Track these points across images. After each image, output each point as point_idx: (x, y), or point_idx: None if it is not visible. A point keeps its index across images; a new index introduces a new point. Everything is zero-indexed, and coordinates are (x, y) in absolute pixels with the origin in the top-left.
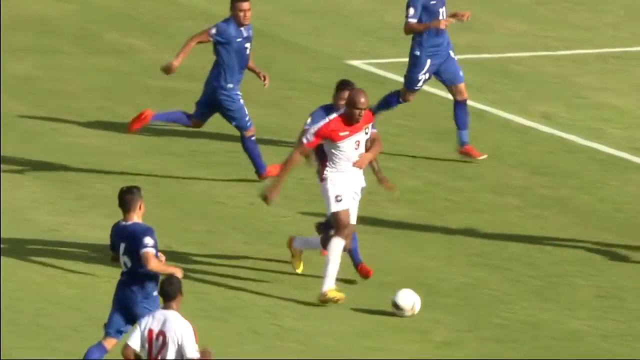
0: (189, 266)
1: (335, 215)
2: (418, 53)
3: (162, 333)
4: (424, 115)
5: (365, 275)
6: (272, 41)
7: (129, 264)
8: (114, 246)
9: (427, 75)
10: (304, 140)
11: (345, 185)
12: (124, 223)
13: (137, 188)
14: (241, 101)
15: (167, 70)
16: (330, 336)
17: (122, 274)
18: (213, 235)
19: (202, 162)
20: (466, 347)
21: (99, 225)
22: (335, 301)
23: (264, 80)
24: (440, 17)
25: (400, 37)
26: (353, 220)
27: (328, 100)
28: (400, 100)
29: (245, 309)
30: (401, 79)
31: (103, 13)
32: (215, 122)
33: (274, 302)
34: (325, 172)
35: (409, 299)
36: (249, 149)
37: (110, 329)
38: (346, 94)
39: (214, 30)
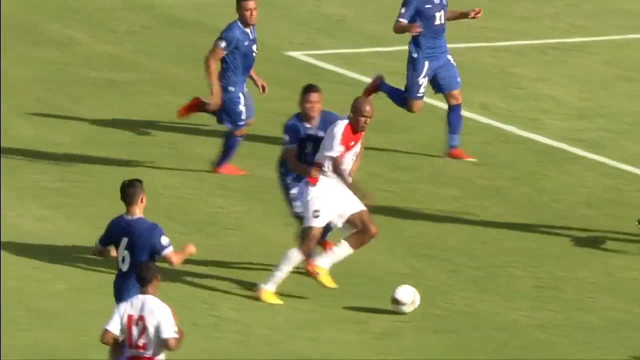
0: None
1: (308, 230)
2: (415, 55)
3: (141, 318)
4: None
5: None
6: (210, 32)
7: (129, 259)
8: (110, 240)
9: (426, 79)
10: (334, 154)
11: (330, 201)
12: (128, 218)
13: (139, 181)
14: (241, 106)
15: (216, 106)
16: (268, 327)
17: (119, 270)
18: None
19: (139, 153)
20: (405, 338)
21: (40, 217)
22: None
23: (263, 90)
24: (437, 22)
25: (338, 29)
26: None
27: (270, 91)
28: (406, 108)
29: (184, 300)
30: (339, 70)
31: (44, 4)
32: (153, 113)
33: (212, 293)
34: (313, 175)
35: (408, 294)
36: (228, 145)
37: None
38: (312, 96)
39: (223, 44)
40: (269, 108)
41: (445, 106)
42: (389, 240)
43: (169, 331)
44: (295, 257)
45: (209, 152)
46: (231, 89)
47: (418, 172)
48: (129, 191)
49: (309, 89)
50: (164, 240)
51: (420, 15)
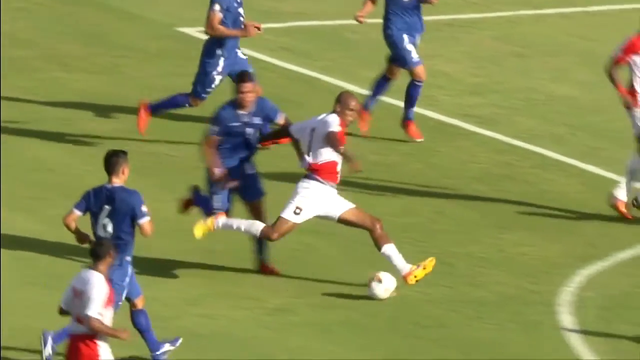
0: (16, 233)
1: (281, 220)
2: (390, 32)
3: (82, 293)
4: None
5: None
6: (102, 8)
7: (109, 228)
8: (88, 207)
9: (413, 45)
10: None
11: (315, 205)
12: (109, 186)
13: (124, 152)
14: (214, 75)
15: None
16: (160, 303)
17: (99, 238)
18: (42, 202)
19: (33, 129)
20: (297, 314)
21: None
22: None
23: (258, 29)
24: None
25: None
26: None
27: (162, 68)
28: (415, 81)
29: (73, 275)
30: None
31: None
32: (47, 89)
33: None
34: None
35: (393, 282)
36: (173, 102)
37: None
38: (246, 86)
39: (217, 7)
40: (161, 84)
41: (338, 82)
42: None
43: (93, 310)
44: (257, 229)
45: (102, 129)
46: (218, 52)
47: None
48: (111, 160)
49: (242, 79)
50: (145, 208)
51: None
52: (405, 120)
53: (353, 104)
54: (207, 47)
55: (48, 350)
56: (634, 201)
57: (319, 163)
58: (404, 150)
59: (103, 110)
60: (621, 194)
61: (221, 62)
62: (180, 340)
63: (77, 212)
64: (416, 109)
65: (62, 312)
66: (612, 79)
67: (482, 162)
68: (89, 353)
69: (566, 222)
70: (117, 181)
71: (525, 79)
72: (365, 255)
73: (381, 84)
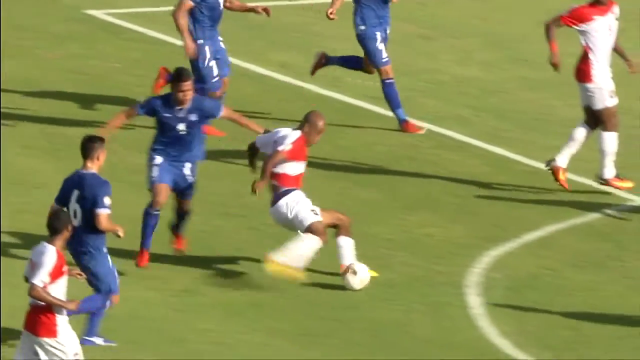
0: None
1: (313, 225)
2: (363, 28)
3: (35, 264)
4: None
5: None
6: None
7: (79, 214)
8: (64, 195)
9: (384, 44)
10: (281, 149)
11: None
12: (82, 172)
13: (101, 139)
14: (210, 62)
15: (191, 56)
16: (70, 285)
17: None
18: None
19: None
20: (206, 295)
21: None
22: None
23: (267, 14)
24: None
25: None
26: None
27: (72, 50)
28: (386, 80)
29: None
30: (139, 29)
31: None
32: None
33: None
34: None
35: (366, 272)
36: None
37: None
38: (184, 85)
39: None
40: (68, 66)
41: (245, 64)
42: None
43: (37, 278)
44: (313, 244)
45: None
46: (200, 41)
47: (220, 129)
48: (87, 145)
49: (180, 77)
50: (107, 200)
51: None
52: (401, 123)
53: (321, 124)
54: None
55: None
56: (600, 179)
57: (281, 173)
58: None
59: (19, 93)
60: (561, 161)
61: (206, 49)
62: (112, 344)
63: (57, 205)
64: (323, 91)
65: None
66: (548, 34)
67: (388, 143)
68: (48, 323)
69: (472, 204)
70: (91, 167)
71: (431, 60)
72: (275, 237)
73: (388, 92)
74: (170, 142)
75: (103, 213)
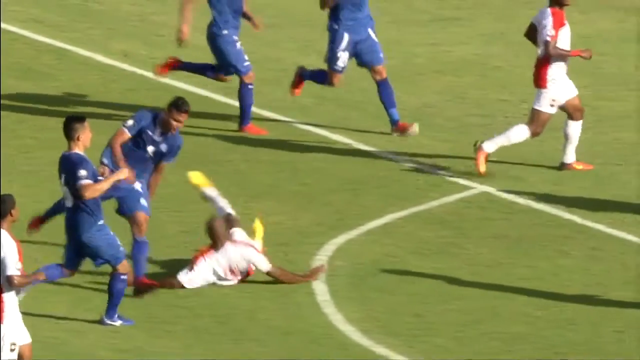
0: None
1: None
2: (336, 27)
3: None
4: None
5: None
6: None
7: (69, 195)
8: (60, 177)
9: (347, 53)
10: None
11: None
12: (65, 153)
13: (80, 118)
14: (238, 46)
15: (179, 41)
16: None
17: (66, 207)
18: None
19: None
20: (51, 283)
21: None
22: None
23: (256, 26)
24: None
25: None
26: None
27: None
28: (325, 83)
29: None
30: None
31: None
32: None
33: None
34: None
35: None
36: (243, 96)
37: (66, 263)
38: (182, 117)
39: None
40: None
41: (88, 54)
42: (34, 187)
43: (12, 269)
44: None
45: None
46: (224, 32)
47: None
48: (68, 126)
49: (182, 107)
50: (81, 172)
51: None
52: (394, 126)
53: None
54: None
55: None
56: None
57: None
58: None
59: None
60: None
61: (234, 37)
62: (130, 324)
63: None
64: (167, 81)
65: None
66: (560, 55)
67: (232, 133)
68: None
69: (315, 192)
70: (74, 148)
71: (277, 49)
72: (125, 227)
73: (383, 93)
74: (132, 158)
75: (82, 184)
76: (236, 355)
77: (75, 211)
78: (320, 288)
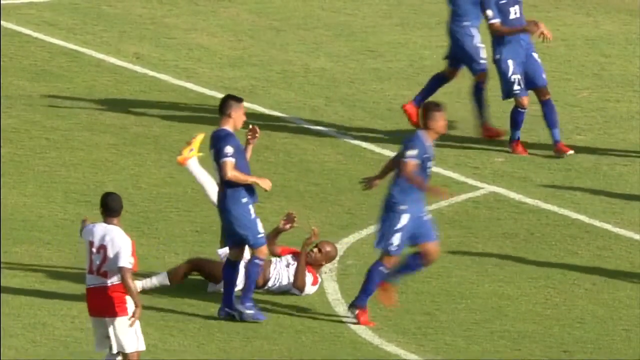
0: None
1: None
2: (498, 57)
3: (102, 247)
4: (21, 57)
5: None
6: None
7: (217, 171)
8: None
9: (519, 75)
10: None
11: None
12: (216, 130)
13: (239, 99)
14: (475, 41)
15: None
16: None
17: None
18: None
19: None
20: (65, 283)
21: None
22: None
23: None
24: (512, 16)
25: None
26: None
27: None
28: (519, 109)
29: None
30: None
31: None
32: None
33: None
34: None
35: None
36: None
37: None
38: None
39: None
40: None
41: (100, 56)
42: (48, 187)
43: (125, 261)
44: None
45: None
46: (465, 23)
47: (75, 120)
48: (225, 102)
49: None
50: (228, 149)
51: (497, 11)
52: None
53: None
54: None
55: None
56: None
57: None
58: (165, 123)
59: None
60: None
61: (471, 30)
62: (262, 318)
63: None
64: (177, 82)
65: None
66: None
67: (243, 133)
68: (120, 302)
69: (325, 192)
70: (224, 124)
71: (282, 51)
72: (136, 225)
73: (546, 112)
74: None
75: (224, 161)
76: (248, 353)
77: (221, 185)
78: (331, 287)
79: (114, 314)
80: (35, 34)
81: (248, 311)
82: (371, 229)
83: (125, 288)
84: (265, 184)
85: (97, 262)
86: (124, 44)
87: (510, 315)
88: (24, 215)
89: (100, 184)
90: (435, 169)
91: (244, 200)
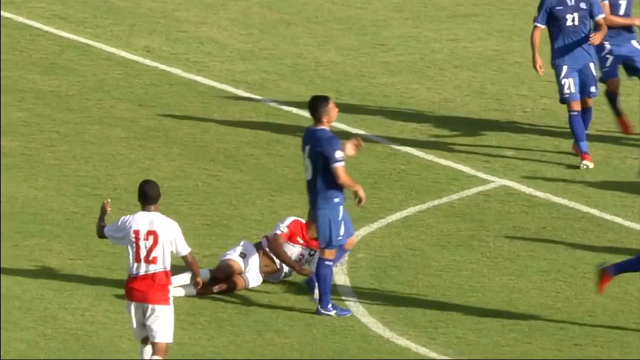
0: None
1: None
2: (554, 62)
3: (152, 233)
4: (31, 50)
5: None
6: None
7: (310, 169)
8: (303, 150)
9: (571, 80)
10: None
11: None
12: (312, 127)
13: (325, 98)
14: (606, 53)
15: None
16: None
17: (306, 179)
18: None
19: None
20: (76, 276)
21: None
22: None
23: None
24: (569, 24)
25: None
26: None
27: None
28: (569, 112)
29: None
30: None
31: None
32: None
33: None
34: None
35: None
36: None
37: None
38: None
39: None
40: None
41: (111, 49)
42: (59, 180)
43: (185, 248)
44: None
45: None
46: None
47: (86, 114)
48: (315, 102)
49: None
50: (338, 154)
51: (552, 17)
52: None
53: None
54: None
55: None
56: None
57: None
58: (177, 115)
59: None
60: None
61: (607, 45)
62: (347, 313)
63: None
64: (187, 75)
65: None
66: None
67: (253, 126)
68: (163, 291)
69: None
70: (320, 124)
71: (293, 45)
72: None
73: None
74: None
75: (335, 167)
76: (259, 346)
77: (313, 184)
78: (342, 280)
79: (157, 302)
80: (45, 28)
81: (330, 313)
82: (381, 223)
83: (193, 271)
84: (363, 194)
85: (146, 249)
86: (134, 38)
87: (521, 309)
88: (35, 208)
89: (111, 177)
90: (445, 162)
91: (336, 200)
